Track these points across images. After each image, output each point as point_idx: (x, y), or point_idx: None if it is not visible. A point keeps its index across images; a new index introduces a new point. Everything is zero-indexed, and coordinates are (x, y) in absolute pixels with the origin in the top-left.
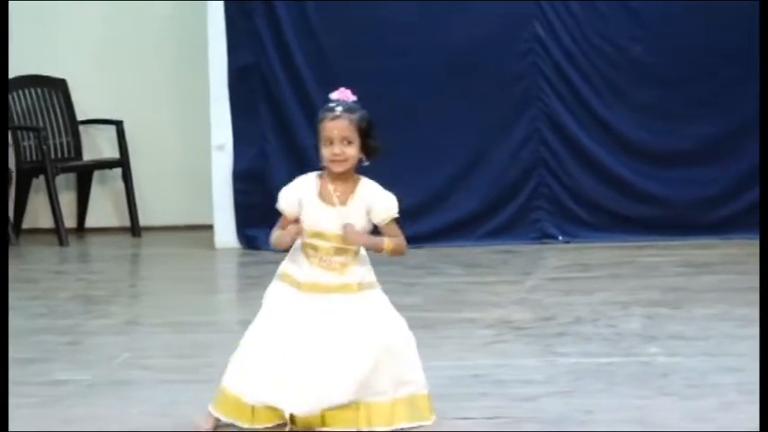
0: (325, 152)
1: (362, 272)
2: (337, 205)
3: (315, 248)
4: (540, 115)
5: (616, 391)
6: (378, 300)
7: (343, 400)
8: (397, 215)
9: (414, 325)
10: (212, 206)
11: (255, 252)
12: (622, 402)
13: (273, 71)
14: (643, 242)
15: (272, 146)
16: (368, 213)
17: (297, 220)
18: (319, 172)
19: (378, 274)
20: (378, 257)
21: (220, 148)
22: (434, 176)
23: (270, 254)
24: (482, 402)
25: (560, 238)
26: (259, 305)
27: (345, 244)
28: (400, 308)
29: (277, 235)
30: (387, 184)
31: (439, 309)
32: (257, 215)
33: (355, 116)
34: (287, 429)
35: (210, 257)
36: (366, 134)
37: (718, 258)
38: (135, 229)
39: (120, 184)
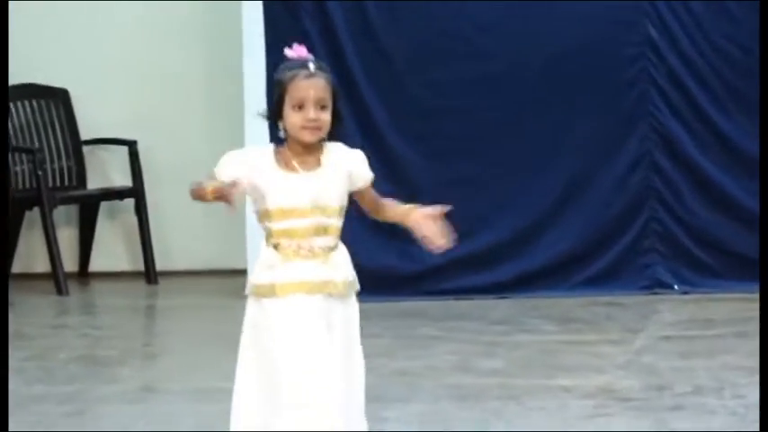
0: (296, 118)
1: (347, 262)
2: (306, 171)
3: (289, 234)
4: (652, 134)
5: None
6: (356, 318)
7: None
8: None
9: (497, 394)
10: (246, 246)
11: None
12: None
13: None
14: None
15: None
16: (348, 177)
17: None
18: (272, 145)
19: (448, 330)
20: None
21: None
22: (522, 210)
23: None
24: None
25: (676, 287)
26: None
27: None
28: (480, 373)
29: (205, 183)
30: (465, 216)
31: (527, 374)
32: None
33: (330, 76)
34: None
35: (243, 310)
36: (336, 98)
37: None
38: (151, 275)
39: (133, 219)
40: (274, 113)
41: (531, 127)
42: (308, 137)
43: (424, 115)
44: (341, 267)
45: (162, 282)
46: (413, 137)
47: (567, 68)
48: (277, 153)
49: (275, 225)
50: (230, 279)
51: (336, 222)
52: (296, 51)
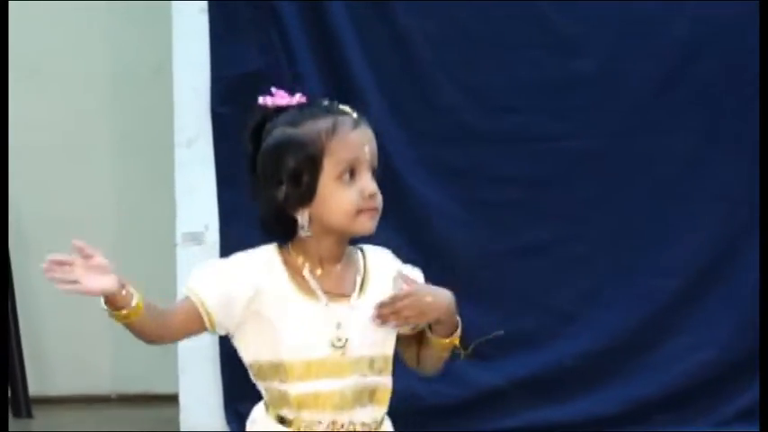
0: (348, 196)
1: None
2: (341, 297)
3: (316, 402)
4: None
5: None
6: None
7: None
8: None
9: None
10: (177, 359)
11: None
12: None
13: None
14: None
15: None
16: None
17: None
18: (273, 248)
19: None
20: None
21: (195, 239)
22: (630, 300)
23: None
24: None
25: None
26: None
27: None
28: None
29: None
30: (532, 309)
31: None
32: None
33: None
34: None
35: None
36: None
37: None
38: (20, 404)
39: None
40: (296, 198)
41: (638, 167)
42: (368, 225)
43: (464, 141)
44: None
45: (39, 414)
46: (444, 174)
47: (699, 71)
48: (287, 263)
49: (293, 387)
50: (150, 409)
51: (387, 382)
52: (278, 97)
